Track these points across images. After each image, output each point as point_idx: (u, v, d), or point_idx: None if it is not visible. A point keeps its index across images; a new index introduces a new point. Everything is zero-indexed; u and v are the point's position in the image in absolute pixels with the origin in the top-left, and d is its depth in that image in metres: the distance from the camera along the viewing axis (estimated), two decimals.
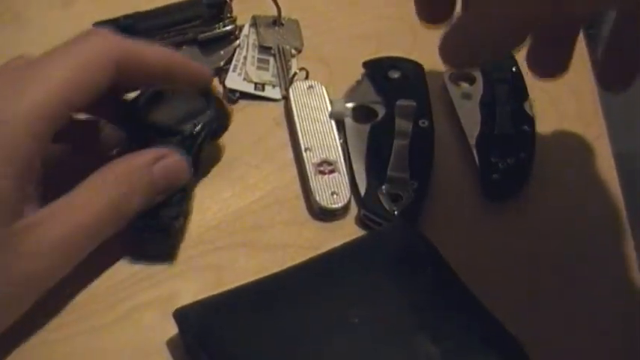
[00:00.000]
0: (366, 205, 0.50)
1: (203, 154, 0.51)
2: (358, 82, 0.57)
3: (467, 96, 0.56)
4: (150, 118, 0.50)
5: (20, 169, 0.42)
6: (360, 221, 0.51)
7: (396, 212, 0.50)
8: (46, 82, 0.43)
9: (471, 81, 0.57)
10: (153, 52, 0.48)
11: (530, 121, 0.54)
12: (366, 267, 0.46)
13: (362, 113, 0.55)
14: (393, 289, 0.45)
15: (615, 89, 0.49)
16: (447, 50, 0.42)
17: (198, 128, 0.50)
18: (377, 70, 0.57)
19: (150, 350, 0.45)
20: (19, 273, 0.42)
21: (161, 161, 0.47)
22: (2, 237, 0.42)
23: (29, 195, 0.44)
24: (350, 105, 0.55)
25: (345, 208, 0.51)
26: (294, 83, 0.57)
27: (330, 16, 0.62)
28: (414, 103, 0.54)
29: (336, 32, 0.61)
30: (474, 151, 0.53)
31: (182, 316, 0.45)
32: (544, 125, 0.55)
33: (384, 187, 0.51)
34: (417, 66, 0.57)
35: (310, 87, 0.56)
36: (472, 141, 0.53)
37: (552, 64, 0.47)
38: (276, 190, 0.53)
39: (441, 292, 0.45)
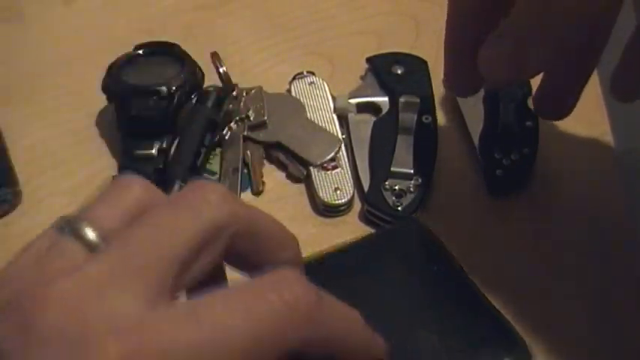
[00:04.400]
0: (370, 200, 0.50)
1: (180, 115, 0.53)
2: (362, 78, 0.57)
3: None
4: (127, 79, 0.53)
5: None
6: (364, 217, 0.51)
7: (399, 208, 0.50)
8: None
9: None
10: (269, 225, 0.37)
11: (534, 117, 0.54)
12: (374, 263, 0.46)
13: (366, 109, 0.55)
14: (399, 285, 0.45)
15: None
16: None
17: (173, 89, 0.52)
18: (381, 65, 0.57)
19: None
20: None
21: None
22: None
23: None
24: (353, 101, 0.55)
25: (349, 204, 0.51)
26: (296, 80, 0.56)
27: (331, 13, 0.62)
28: (418, 99, 0.54)
29: (338, 28, 0.62)
30: (478, 147, 0.53)
31: None
32: (547, 121, 0.55)
33: (387, 182, 0.51)
34: (421, 62, 0.57)
35: (312, 83, 0.56)
36: (475, 137, 0.53)
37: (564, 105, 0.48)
38: (279, 186, 0.53)
39: (447, 290, 0.45)
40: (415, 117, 0.53)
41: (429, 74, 0.56)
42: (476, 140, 0.53)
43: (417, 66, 0.57)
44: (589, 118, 0.56)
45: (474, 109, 0.54)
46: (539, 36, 0.41)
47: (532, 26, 0.41)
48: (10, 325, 0.31)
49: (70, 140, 0.55)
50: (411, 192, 0.50)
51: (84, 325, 0.31)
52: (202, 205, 0.34)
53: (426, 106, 0.54)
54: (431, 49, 0.58)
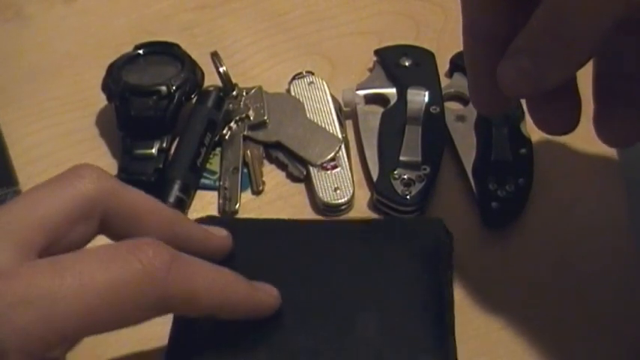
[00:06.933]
0: (379, 189, 0.51)
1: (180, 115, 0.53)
2: (370, 70, 0.58)
3: (461, 118, 0.54)
4: (127, 79, 0.53)
5: None
6: (373, 205, 0.51)
7: (408, 196, 0.50)
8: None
9: (465, 102, 0.56)
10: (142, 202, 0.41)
11: (528, 143, 0.53)
12: (374, 245, 0.46)
13: (374, 100, 0.56)
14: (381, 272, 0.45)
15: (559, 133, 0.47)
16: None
17: (173, 89, 0.52)
18: (389, 57, 0.57)
19: (152, 345, 0.45)
20: None
21: None
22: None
23: None
24: (361, 92, 0.56)
25: (349, 204, 0.51)
26: (296, 80, 0.57)
27: (331, 13, 0.63)
28: (426, 90, 0.54)
29: (338, 28, 0.62)
30: (471, 178, 0.51)
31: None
32: (541, 144, 0.53)
33: (396, 171, 0.51)
34: (429, 53, 0.58)
35: (311, 83, 0.56)
36: (468, 167, 0.52)
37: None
38: (279, 186, 0.53)
39: (416, 295, 0.44)
40: (423, 108, 0.54)
41: (436, 66, 0.57)
42: (469, 169, 0.52)
43: (424, 58, 0.57)
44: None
45: (465, 137, 0.53)
46: (555, 48, 0.40)
47: (546, 39, 0.40)
48: None
49: (70, 140, 0.55)
50: (419, 181, 0.51)
51: None
52: (75, 179, 0.39)
53: (434, 97, 0.54)
54: (430, 49, 0.58)
